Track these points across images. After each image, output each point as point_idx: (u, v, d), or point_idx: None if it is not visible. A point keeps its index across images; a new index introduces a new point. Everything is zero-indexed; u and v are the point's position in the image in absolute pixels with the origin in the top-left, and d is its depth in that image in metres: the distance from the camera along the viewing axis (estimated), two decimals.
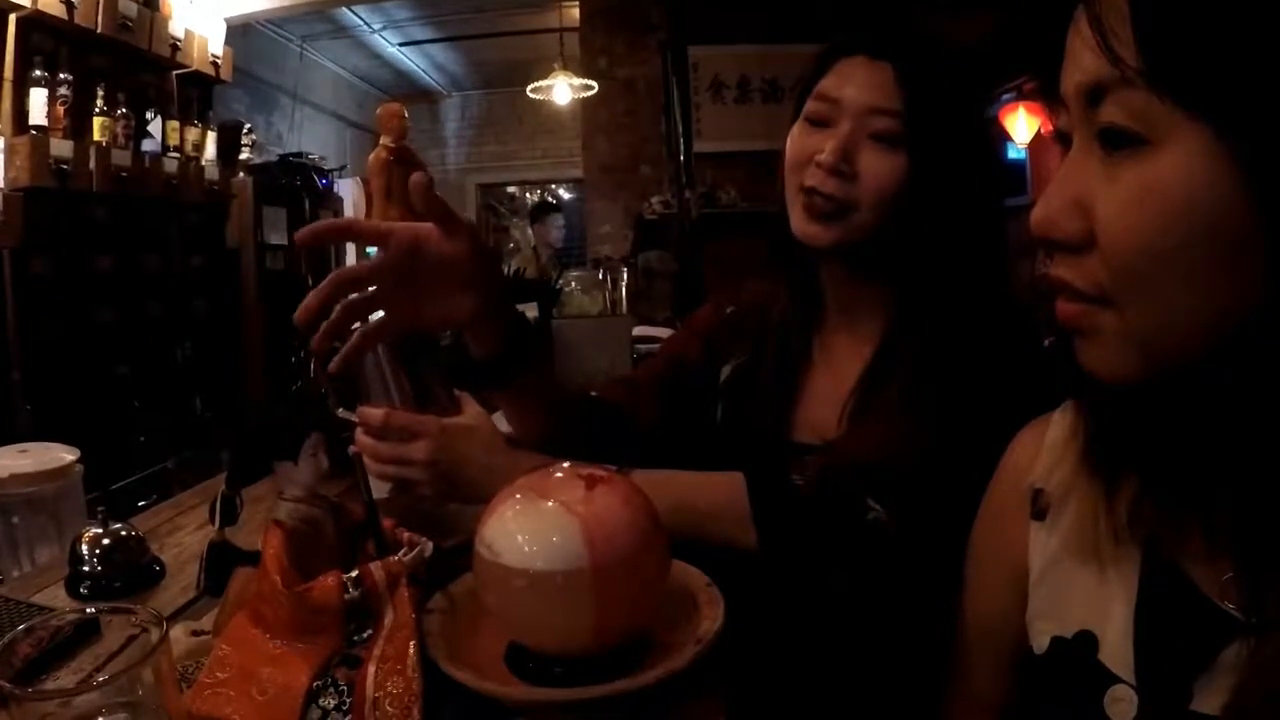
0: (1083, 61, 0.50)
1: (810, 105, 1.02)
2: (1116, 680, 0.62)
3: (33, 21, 3.19)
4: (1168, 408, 0.55)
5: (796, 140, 1.03)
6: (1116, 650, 0.63)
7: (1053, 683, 0.68)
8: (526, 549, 0.66)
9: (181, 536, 1.28)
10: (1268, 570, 0.54)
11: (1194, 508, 0.58)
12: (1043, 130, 6.97)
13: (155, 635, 0.58)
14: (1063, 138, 0.55)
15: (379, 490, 0.86)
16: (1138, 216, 0.48)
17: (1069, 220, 0.52)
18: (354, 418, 1.00)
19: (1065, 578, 0.69)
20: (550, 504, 0.68)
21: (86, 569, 1.06)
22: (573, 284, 3.80)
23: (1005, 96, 7.15)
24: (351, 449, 0.95)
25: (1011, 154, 7.71)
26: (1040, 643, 0.70)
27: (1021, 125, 7.03)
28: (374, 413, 0.96)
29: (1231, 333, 0.48)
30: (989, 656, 0.81)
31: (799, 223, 1.00)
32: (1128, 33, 0.47)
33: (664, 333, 3.10)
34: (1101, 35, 0.48)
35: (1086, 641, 0.65)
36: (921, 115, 0.96)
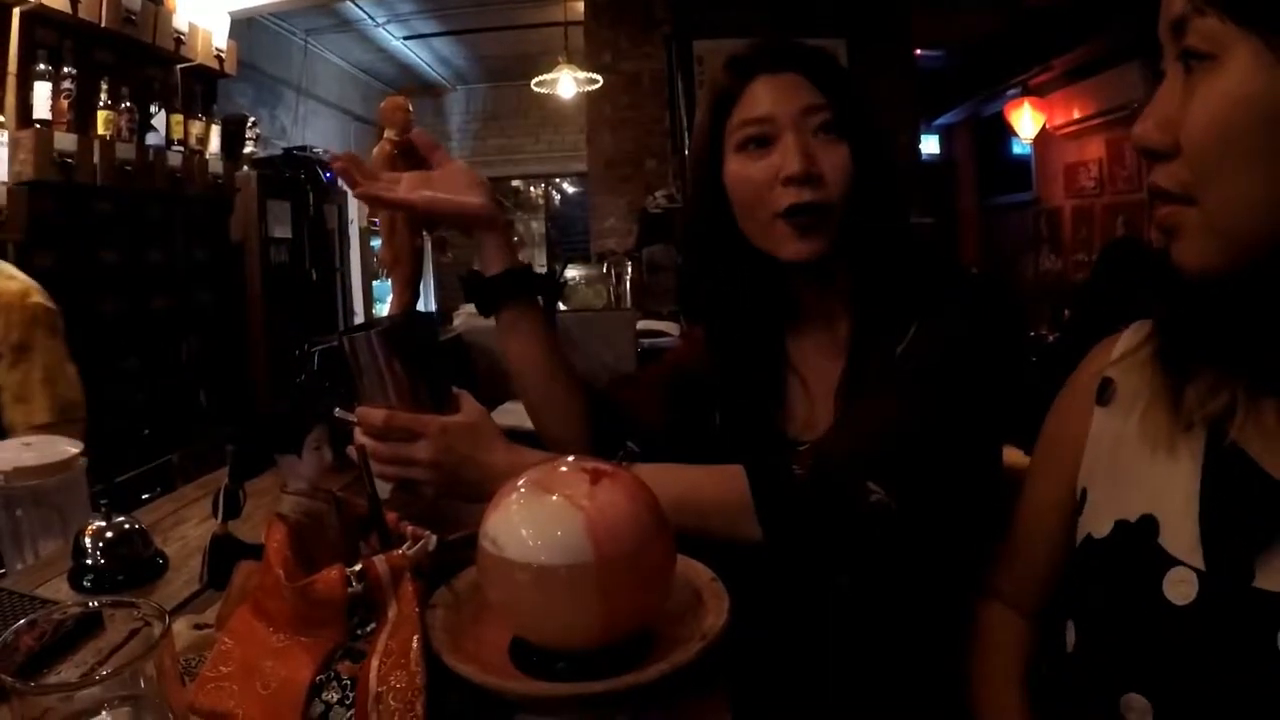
0: (1172, 3, 0.61)
1: (740, 134, 1.04)
2: (1176, 563, 0.65)
3: (36, 15, 3.19)
4: (1251, 298, 0.63)
5: (744, 172, 1.03)
6: (1178, 532, 0.67)
7: (1111, 566, 0.71)
8: (531, 543, 0.66)
9: (185, 530, 1.28)
10: None
11: (1270, 392, 0.64)
12: (1047, 126, 6.95)
13: (158, 629, 0.58)
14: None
15: (380, 490, 0.85)
16: (1210, 116, 0.59)
17: (1159, 133, 0.62)
18: (352, 418, 0.99)
19: (1129, 466, 0.73)
20: (555, 498, 0.68)
21: (90, 562, 1.06)
22: (577, 277, 3.80)
23: (1011, 92, 7.13)
24: (355, 444, 0.95)
25: (1017, 150, 7.70)
26: (1102, 528, 0.73)
27: (1026, 121, 7.01)
28: (374, 414, 0.96)
29: None
30: (1037, 551, 0.88)
31: (788, 247, 1.01)
32: None
33: (669, 327, 3.09)
34: None
35: (1148, 524, 0.69)
36: (847, 101, 1.01)
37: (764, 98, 1.02)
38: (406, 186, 1.08)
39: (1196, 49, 0.59)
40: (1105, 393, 0.78)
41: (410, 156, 1.14)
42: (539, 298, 1.14)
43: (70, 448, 1.35)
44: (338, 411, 1.13)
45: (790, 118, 1.00)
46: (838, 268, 1.04)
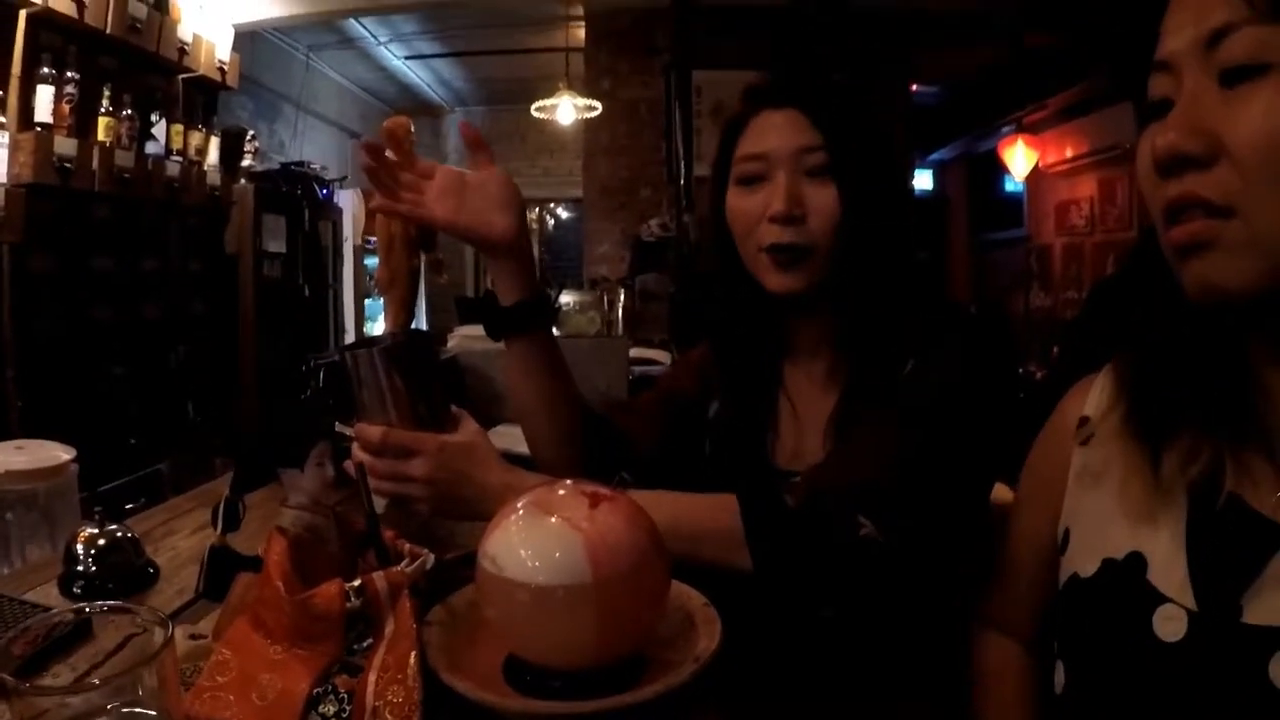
0: (1207, 14, 0.59)
1: (739, 168, 1.06)
2: (1165, 600, 0.65)
3: (42, 19, 3.21)
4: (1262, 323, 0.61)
5: (738, 205, 1.06)
6: (1166, 569, 0.66)
7: (1101, 605, 0.71)
8: (530, 563, 0.67)
9: (176, 540, 1.28)
10: None
11: (1255, 439, 0.63)
12: (1040, 164, 7.02)
13: (160, 637, 0.58)
14: (1154, 108, 0.63)
15: (377, 506, 0.86)
16: (1272, 122, 0.56)
17: (1195, 139, 0.59)
18: (350, 432, 1.00)
19: (1112, 507, 0.72)
20: (554, 520, 0.69)
21: (81, 568, 1.06)
22: (570, 303, 3.82)
23: (1004, 129, 7.21)
24: (352, 460, 0.95)
25: (1009, 187, 7.78)
26: (1088, 568, 0.73)
27: (1020, 158, 7.07)
28: (371, 430, 0.96)
29: None
30: (1023, 584, 0.89)
31: (771, 279, 1.04)
32: None
33: (660, 355, 3.10)
34: None
35: (1136, 561, 0.68)
36: (843, 142, 1.02)
37: (765, 133, 1.04)
38: (438, 187, 1.05)
39: (1242, 63, 0.58)
40: (1084, 431, 0.78)
41: None
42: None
43: (62, 453, 1.35)
44: (337, 426, 1.13)
45: (783, 157, 1.02)
46: (827, 303, 1.05)
